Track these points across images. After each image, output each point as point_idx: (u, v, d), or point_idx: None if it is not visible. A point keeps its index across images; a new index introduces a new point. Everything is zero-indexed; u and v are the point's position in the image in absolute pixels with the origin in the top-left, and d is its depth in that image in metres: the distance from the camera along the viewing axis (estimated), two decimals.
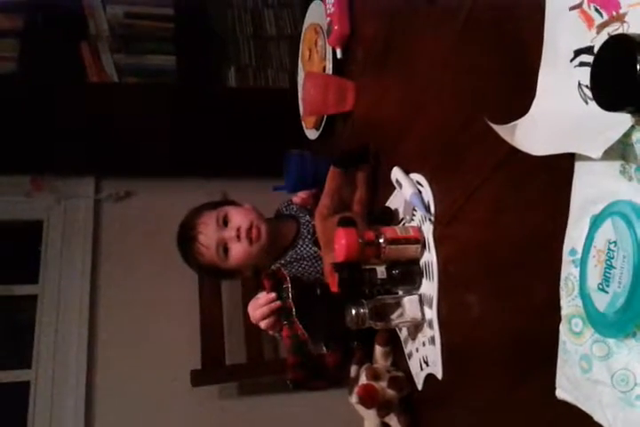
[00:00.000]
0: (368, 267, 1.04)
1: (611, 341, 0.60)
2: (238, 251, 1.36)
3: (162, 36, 2.40)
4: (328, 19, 1.39)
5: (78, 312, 2.26)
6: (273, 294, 1.26)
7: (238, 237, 1.36)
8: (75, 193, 2.38)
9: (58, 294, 2.27)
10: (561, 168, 0.66)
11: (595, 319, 0.61)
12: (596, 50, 0.61)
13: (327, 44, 1.44)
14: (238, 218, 1.38)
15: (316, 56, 1.52)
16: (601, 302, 0.60)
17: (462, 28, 0.88)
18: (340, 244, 1.01)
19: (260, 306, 1.28)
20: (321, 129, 1.52)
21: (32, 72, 2.16)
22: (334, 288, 1.06)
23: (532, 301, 0.75)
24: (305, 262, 1.41)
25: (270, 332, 1.33)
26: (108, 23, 2.36)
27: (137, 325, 2.23)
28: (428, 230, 1.01)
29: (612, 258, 0.58)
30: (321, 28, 1.49)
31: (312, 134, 1.59)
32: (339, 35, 1.35)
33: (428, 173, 1.02)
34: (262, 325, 1.30)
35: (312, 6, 1.56)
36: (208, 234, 1.37)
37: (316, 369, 1.29)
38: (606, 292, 0.59)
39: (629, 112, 0.49)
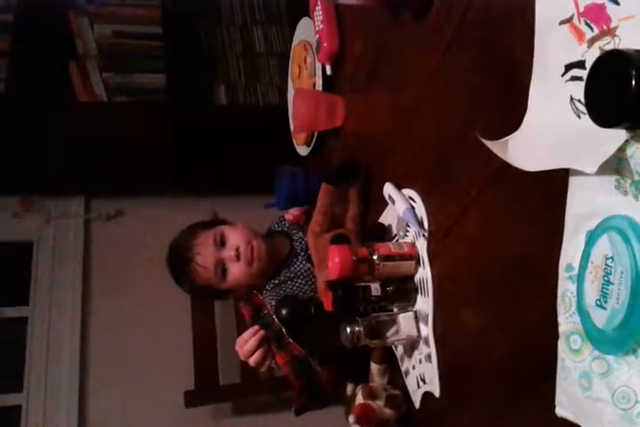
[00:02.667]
0: (362, 284, 1.03)
1: (610, 357, 0.59)
2: (237, 271, 1.34)
3: (150, 54, 2.39)
4: (317, 36, 1.39)
5: (70, 334, 2.23)
6: (256, 327, 1.24)
7: (237, 257, 1.34)
8: (64, 213, 2.36)
9: (49, 315, 2.24)
10: (555, 183, 0.65)
11: (593, 336, 0.61)
12: (587, 64, 0.61)
13: (316, 61, 1.44)
14: (236, 237, 1.36)
15: (306, 73, 1.52)
16: (599, 318, 0.59)
17: (451, 43, 0.88)
18: (334, 261, 1.00)
19: (246, 341, 1.26)
20: (312, 145, 1.52)
21: (20, 92, 2.15)
22: (328, 306, 1.05)
23: (528, 317, 0.75)
24: (299, 280, 1.39)
25: (262, 368, 1.31)
26: (97, 42, 2.35)
27: (129, 346, 2.20)
28: (421, 246, 1.00)
29: (610, 274, 0.57)
30: (310, 44, 1.49)
31: (303, 151, 1.58)
32: (328, 51, 1.35)
33: (420, 188, 1.02)
34: (252, 361, 1.28)
35: (301, 23, 1.57)
36: (206, 254, 1.34)
37: (316, 388, 1.28)
38: (604, 308, 0.58)
39: (625, 128, 0.49)
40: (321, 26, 1.36)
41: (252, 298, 1.36)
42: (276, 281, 1.41)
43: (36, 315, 2.25)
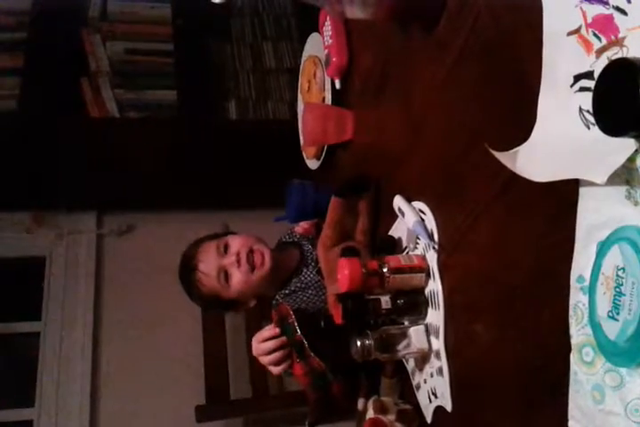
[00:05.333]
0: (372, 297, 1.03)
1: (623, 370, 0.58)
2: (239, 277, 1.34)
3: (162, 71, 2.42)
4: (326, 50, 1.40)
5: (81, 349, 2.23)
6: (277, 329, 1.23)
7: (238, 262, 1.34)
8: (76, 228, 2.37)
9: (61, 330, 2.25)
10: (565, 194, 0.65)
11: (606, 348, 0.60)
12: (595, 75, 0.61)
13: (326, 75, 1.45)
14: (237, 244, 1.37)
15: (315, 87, 1.53)
16: (611, 330, 0.58)
17: (459, 56, 0.89)
18: (344, 274, 1.00)
19: (264, 339, 1.26)
20: (322, 159, 1.52)
21: (33, 109, 2.18)
22: (338, 319, 1.04)
23: (540, 329, 0.74)
24: (310, 291, 1.39)
25: (274, 370, 1.28)
26: (109, 59, 2.38)
27: (140, 360, 2.20)
28: (432, 259, 0.99)
29: (621, 285, 0.57)
30: (319, 59, 1.50)
31: (313, 164, 1.59)
32: (337, 66, 1.36)
33: (430, 200, 1.02)
34: (266, 360, 1.27)
35: (310, 39, 1.58)
36: (208, 261, 1.36)
37: (331, 402, 1.27)
38: (617, 320, 0.58)
39: (633, 137, 0.49)
40: (330, 41, 1.38)
41: (279, 306, 1.35)
42: (287, 291, 1.40)
43: (49, 330, 2.25)
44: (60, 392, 2.17)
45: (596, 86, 0.50)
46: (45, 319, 2.27)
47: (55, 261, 2.34)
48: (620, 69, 0.46)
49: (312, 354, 1.18)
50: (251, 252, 1.36)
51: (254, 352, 1.28)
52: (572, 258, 0.65)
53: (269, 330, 1.26)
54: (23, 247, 2.35)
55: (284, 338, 1.23)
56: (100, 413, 2.16)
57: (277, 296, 1.41)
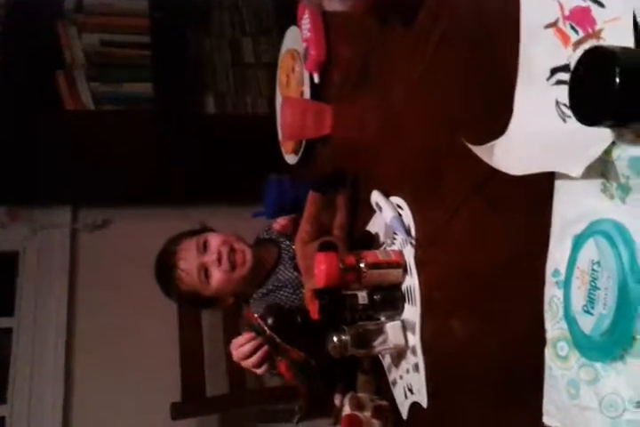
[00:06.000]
0: (349, 292, 1.02)
1: (598, 364, 0.58)
2: (219, 275, 1.33)
3: (138, 63, 2.38)
4: (304, 44, 1.39)
5: (54, 345, 2.20)
6: (251, 333, 1.19)
7: (219, 260, 1.33)
8: (51, 223, 2.33)
9: (34, 326, 2.21)
10: (541, 187, 0.64)
11: (580, 342, 0.60)
12: (572, 68, 0.60)
13: (304, 69, 1.44)
14: (217, 242, 1.36)
15: (294, 81, 1.52)
16: (586, 324, 0.58)
17: (437, 49, 0.88)
18: (320, 269, 0.99)
19: (241, 344, 1.22)
20: (300, 154, 1.51)
21: (7, 102, 2.14)
22: (315, 315, 1.03)
23: (516, 324, 0.74)
24: (287, 290, 1.38)
25: (258, 371, 1.25)
26: (84, 51, 2.34)
27: (115, 356, 2.17)
28: (409, 254, 0.99)
29: (597, 279, 0.57)
30: (298, 53, 1.49)
31: (291, 159, 1.58)
32: (315, 60, 1.35)
33: (407, 195, 1.01)
34: (248, 363, 1.22)
35: (288, 32, 1.57)
36: (188, 259, 1.34)
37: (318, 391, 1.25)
38: (591, 314, 0.57)
39: (608, 126, 0.48)
40: (308, 34, 1.36)
41: (244, 314, 1.34)
42: (264, 290, 1.39)
43: (21, 326, 2.22)
44: (32, 389, 2.13)
45: (571, 76, 0.49)
46: (18, 315, 2.23)
47: (29, 256, 2.30)
48: (594, 58, 0.46)
49: (287, 346, 1.17)
50: (232, 250, 1.35)
51: (235, 358, 1.26)
52: (547, 252, 0.65)
53: (244, 336, 1.24)
54: None
55: (259, 340, 1.20)
56: (74, 409, 2.14)
57: (255, 295, 1.40)
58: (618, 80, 0.41)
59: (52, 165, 2.18)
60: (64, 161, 2.19)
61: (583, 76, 0.48)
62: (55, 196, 2.31)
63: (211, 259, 1.34)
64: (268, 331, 1.10)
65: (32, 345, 2.18)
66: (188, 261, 1.34)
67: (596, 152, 0.53)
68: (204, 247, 1.35)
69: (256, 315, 1.28)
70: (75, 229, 2.36)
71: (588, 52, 0.48)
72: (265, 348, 1.19)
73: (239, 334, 1.89)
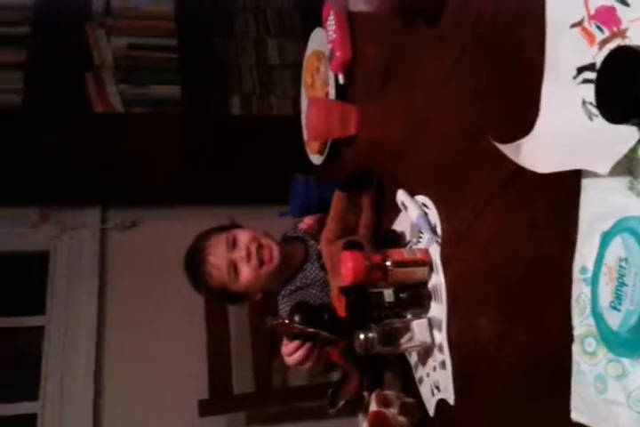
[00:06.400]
0: (375, 290, 1.03)
1: (625, 360, 0.59)
2: (248, 271, 1.35)
3: (166, 66, 2.42)
4: (330, 45, 1.40)
5: (85, 343, 2.23)
6: (295, 341, 1.16)
7: (248, 256, 1.35)
8: (81, 223, 2.37)
9: (65, 324, 2.25)
10: (568, 185, 0.65)
11: (608, 338, 0.60)
12: (598, 66, 0.61)
13: (329, 70, 1.45)
14: (246, 238, 1.37)
15: (319, 82, 1.53)
16: (614, 320, 0.59)
17: (463, 49, 0.89)
18: (347, 267, 1.00)
19: (290, 353, 1.18)
20: (325, 154, 1.52)
21: (37, 104, 2.18)
22: (342, 312, 1.04)
23: (543, 321, 0.74)
24: (315, 288, 1.40)
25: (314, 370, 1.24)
26: (113, 54, 2.39)
27: (144, 355, 2.20)
28: (435, 252, 1.00)
29: (624, 275, 0.57)
30: (323, 54, 1.50)
31: (317, 159, 1.59)
32: (340, 61, 1.36)
33: (433, 194, 1.02)
34: (304, 367, 1.21)
35: (314, 34, 1.58)
36: (218, 255, 1.36)
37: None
38: (619, 310, 0.58)
39: (635, 124, 0.49)
40: (333, 35, 1.38)
41: (272, 327, 1.30)
42: (293, 287, 1.41)
43: (53, 324, 2.25)
44: (63, 386, 2.17)
45: (598, 74, 0.50)
46: (49, 313, 2.27)
47: (59, 256, 2.34)
48: (621, 57, 0.46)
49: (333, 337, 1.15)
50: (260, 246, 1.36)
51: (291, 365, 1.23)
52: (574, 249, 0.66)
53: (290, 345, 1.19)
54: (28, 242, 2.35)
55: (308, 345, 1.16)
56: (104, 406, 2.17)
57: (283, 292, 1.41)
58: None
59: (81, 167, 2.22)
60: (94, 162, 2.22)
61: (609, 74, 0.48)
62: (85, 196, 2.35)
63: (240, 255, 1.35)
64: (303, 327, 1.10)
65: (63, 343, 2.22)
66: (217, 257, 1.36)
67: (622, 150, 0.54)
68: (233, 243, 1.37)
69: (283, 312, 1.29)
70: (104, 229, 2.40)
71: (613, 52, 0.48)
72: (314, 352, 1.17)
73: (266, 331, 1.94)
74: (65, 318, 2.26)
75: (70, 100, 2.23)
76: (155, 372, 2.19)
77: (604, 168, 0.55)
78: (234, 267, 1.35)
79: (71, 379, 2.18)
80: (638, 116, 0.46)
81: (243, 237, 1.38)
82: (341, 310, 1.04)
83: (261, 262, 1.35)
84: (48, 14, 2.29)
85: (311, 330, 1.09)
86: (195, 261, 1.39)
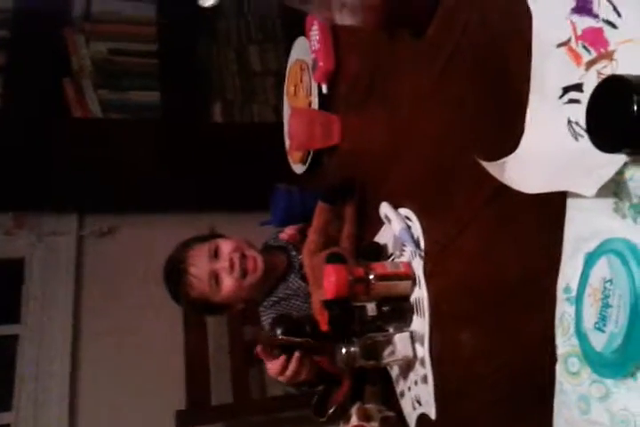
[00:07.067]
0: (358, 304, 1.03)
1: (609, 381, 0.59)
2: (230, 282, 1.33)
3: (146, 71, 2.40)
4: (313, 55, 1.40)
5: (60, 352, 2.20)
6: (282, 356, 1.11)
7: (231, 267, 1.33)
8: (57, 230, 2.34)
9: (40, 333, 2.22)
10: (552, 203, 0.65)
11: (592, 359, 0.60)
12: (584, 87, 0.61)
13: (312, 80, 1.45)
14: (229, 248, 1.35)
15: (302, 92, 1.53)
16: (598, 341, 0.59)
17: (447, 64, 0.89)
18: (330, 281, 0.99)
19: (278, 370, 1.13)
20: (307, 163, 1.52)
21: (15, 108, 2.15)
22: (324, 326, 1.04)
23: (526, 338, 0.74)
24: (298, 299, 1.38)
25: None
26: (92, 59, 2.36)
27: (120, 364, 2.18)
28: (418, 266, 0.99)
29: (609, 297, 0.57)
30: (306, 63, 1.49)
31: (299, 169, 1.58)
32: (324, 71, 1.36)
33: (416, 207, 1.02)
34: (299, 380, 1.16)
35: (297, 43, 1.57)
36: (199, 265, 1.34)
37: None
38: (603, 331, 0.58)
39: (627, 153, 0.49)
40: (317, 45, 1.37)
41: (257, 347, 1.26)
42: (275, 298, 1.40)
43: (27, 333, 2.22)
44: (38, 396, 2.13)
45: (589, 103, 0.50)
46: (24, 322, 2.24)
47: (35, 263, 2.31)
48: (613, 86, 0.46)
49: (320, 344, 1.12)
50: (243, 257, 1.34)
51: (284, 382, 1.18)
52: (558, 268, 0.66)
53: (276, 362, 1.14)
54: (2, 249, 2.31)
55: (297, 355, 1.11)
56: (80, 417, 2.14)
57: (265, 303, 1.40)
58: (636, 108, 0.42)
59: (58, 172, 2.19)
60: (70, 168, 2.19)
61: (601, 104, 0.48)
62: (61, 203, 2.32)
63: (222, 266, 1.33)
64: (287, 338, 1.08)
65: (38, 352, 2.18)
66: (198, 267, 1.34)
67: (608, 172, 0.54)
68: (215, 253, 1.35)
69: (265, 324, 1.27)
70: (81, 235, 2.36)
71: (605, 81, 0.48)
72: (305, 361, 1.14)
73: (244, 341, 1.93)
74: (40, 327, 2.22)
75: (48, 104, 2.21)
76: (131, 382, 2.17)
77: (590, 191, 0.55)
78: (215, 278, 1.34)
79: (46, 389, 2.15)
80: (630, 147, 0.46)
81: (225, 247, 1.36)
82: (324, 324, 1.03)
83: (244, 273, 1.34)
84: (27, 18, 2.25)
85: (298, 340, 1.08)
86: (175, 272, 1.37)
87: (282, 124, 1.66)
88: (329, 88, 1.40)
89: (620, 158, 0.53)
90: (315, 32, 1.39)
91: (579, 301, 0.61)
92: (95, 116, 2.33)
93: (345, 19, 0.89)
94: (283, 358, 1.12)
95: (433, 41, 0.93)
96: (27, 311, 2.25)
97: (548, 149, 0.65)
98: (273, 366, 1.14)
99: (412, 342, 1.00)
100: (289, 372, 1.13)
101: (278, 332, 1.09)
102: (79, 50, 2.37)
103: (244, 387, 1.94)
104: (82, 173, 2.19)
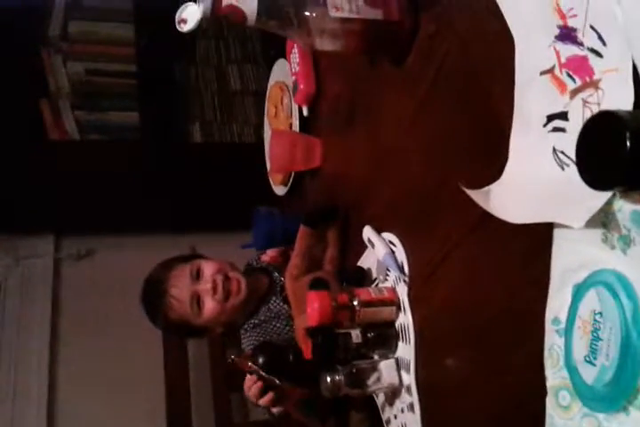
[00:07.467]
0: (342, 331, 1.01)
1: (600, 415, 0.58)
2: (212, 305, 1.30)
3: (124, 92, 2.38)
4: (293, 77, 1.39)
5: (37, 375, 2.16)
6: (253, 376, 1.12)
7: (214, 289, 1.30)
8: (33, 252, 2.30)
9: (16, 357, 2.18)
10: (539, 232, 0.64)
11: (583, 393, 0.59)
12: (569, 115, 0.61)
13: (293, 102, 1.44)
14: (212, 270, 1.32)
15: (282, 113, 1.52)
16: (589, 374, 0.58)
17: (429, 90, 0.88)
18: (313, 308, 0.98)
19: (249, 387, 1.15)
20: (289, 185, 1.50)
21: None
22: (308, 354, 1.02)
23: (515, 368, 0.73)
24: (280, 321, 1.36)
25: (274, 410, 1.19)
26: (69, 80, 2.34)
27: (98, 389, 2.14)
28: (402, 291, 0.98)
29: (599, 329, 0.56)
30: (286, 86, 1.49)
31: (280, 190, 1.57)
32: (304, 93, 1.35)
33: (400, 232, 1.01)
34: (262, 402, 1.16)
35: (277, 65, 1.57)
36: (181, 286, 1.31)
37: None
38: (594, 364, 0.57)
39: (619, 191, 0.48)
40: (297, 68, 1.37)
41: (234, 363, 1.26)
42: (256, 320, 1.37)
43: (3, 356, 2.18)
44: (14, 420, 2.09)
45: (579, 139, 0.49)
46: None
47: (11, 287, 2.27)
48: (604, 122, 0.46)
49: (288, 386, 1.12)
50: (226, 279, 1.32)
51: (251, 400, 1.19)
52: (546, 296, 0.65)
53: (248, 378, 1.16)
54: None
55: (259, 383, 1.13)
56: None
57: (246, 326, 1.38)
58: (628, 146, 0.41)
59: (34, 194, 2.16)
60: (47, 190, 2.17)
61: (591, 140, 0.47)
62: (38, 225, 2.29)
63: (204, 287, 1.30)
64: (263, 373, 1.07)
65: (14, 375, 2.15)
66: (180, 289, 1.31)
67: (597, 204, 0.53)
68: (197, 275, 1.32)
69: (247, 348, 1.25)
70: (58, 258, 2.33)
71: (595, 117, 0.47)
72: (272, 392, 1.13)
73: (226, 365, 1.90)
74: (16, 351, 2.18)
75: (25, 126, 2.18)
76: (110, 405, 2.13)
77: (579, 223, 0.54)
78: (197, 300, 1.31)
79: (23, 412, 2.11)
80: (623, 185, 0.45)
81: (208, 268, 1.33)
82: (308, 353, 1.01)
83: (227, 295, 1.31)
84: (3, 38, 2.23)
85: (271, 377, 1.06)
86: (155, 293, 1.33)
87: (263, 143, 1.65)
88: (310, 110, 1.39)
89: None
90: (295, 55, 1.39)
91: (568, 333, 0.60)
92: (72, 137, 2.30)
93: (325, 44, 0.89)
94: (260, 384, 1.10)
95: (414, 67, 0.92)
96: (2, 335, 2.20)
97: (533, 178, 0.65)
98: (253, 390, 1.13)
99: (397, 369, 0.98)
100: (265, 400, 1.12)
101: (260, 361, 1.07)
102: (57, 70, 2.34)
103: (226, 411, 1.91)
104: (58, 194, 2.17)
